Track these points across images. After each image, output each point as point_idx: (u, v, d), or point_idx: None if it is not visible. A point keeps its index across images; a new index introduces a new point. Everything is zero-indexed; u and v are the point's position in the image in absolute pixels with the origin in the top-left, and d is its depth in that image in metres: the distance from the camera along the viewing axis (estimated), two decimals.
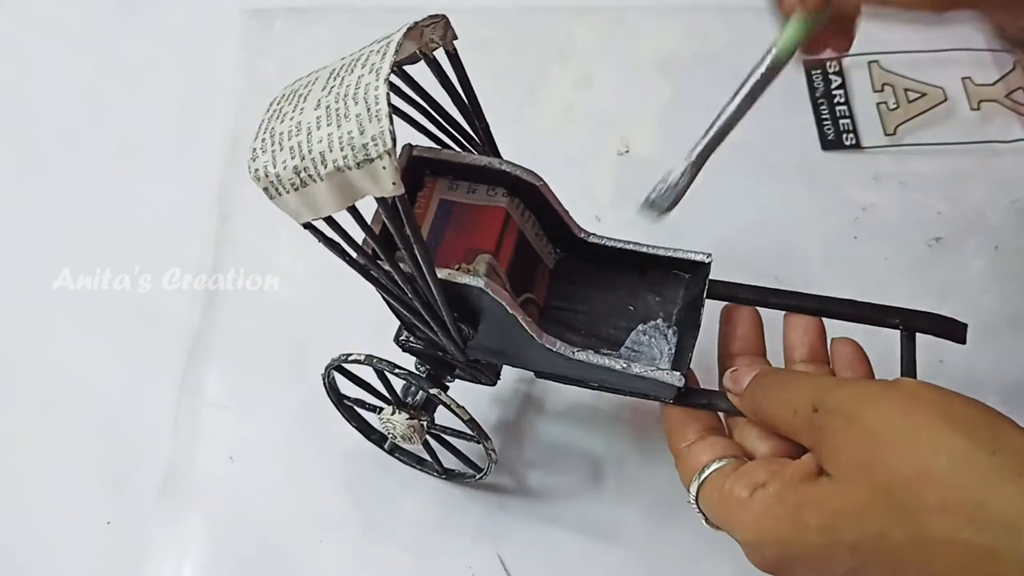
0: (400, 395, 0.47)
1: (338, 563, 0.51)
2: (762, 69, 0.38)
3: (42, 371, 0.57)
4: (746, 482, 0.37)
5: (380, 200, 0.33)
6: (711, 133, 0.40)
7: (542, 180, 0.42)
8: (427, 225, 0.42)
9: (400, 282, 0.38)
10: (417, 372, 0.46)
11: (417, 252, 0.35)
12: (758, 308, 0.44)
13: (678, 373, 0.40)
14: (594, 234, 0.44)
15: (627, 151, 0.62)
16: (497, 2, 0.66)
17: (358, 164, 0.32)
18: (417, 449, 0.50)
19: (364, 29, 0.67)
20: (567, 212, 0.44)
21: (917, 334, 0.44)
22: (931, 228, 0.59)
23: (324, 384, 0.48)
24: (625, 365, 0.40)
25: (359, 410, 0.50)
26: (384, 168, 0.32)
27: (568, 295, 0.45)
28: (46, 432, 0.55)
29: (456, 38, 0.37)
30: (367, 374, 0.46)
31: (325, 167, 0.33)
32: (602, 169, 0.62)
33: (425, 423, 0.47)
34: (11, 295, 0.60)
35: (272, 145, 0.34)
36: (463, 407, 0.45)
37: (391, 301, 0.41)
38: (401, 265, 0.37)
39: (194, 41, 0.68)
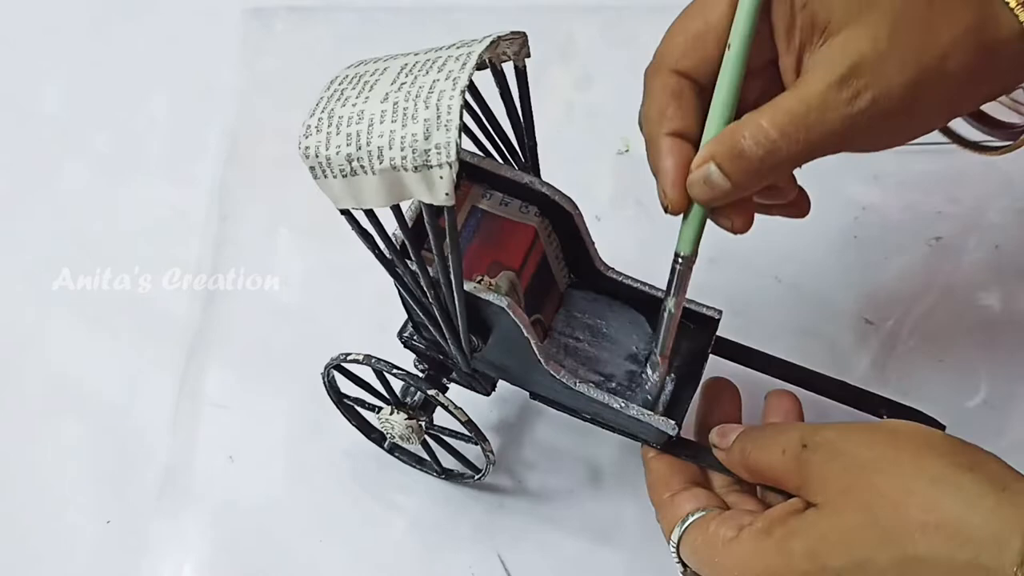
0: (399, 395, 0.47)
1: (338, 563, 0.51)
2: (678, 269, 0.39)
3: (42, 371, 0.57)
4: (732, 524, 0.37)
5: (428, 206, 0.33)
6: (662, 334, 0.41)
7: (578, 210, 0.42)
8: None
9: (424, 285, 0.38)
10: (416, 372, 0.46)
11: (451, 263, 0.35)
12: (746, 367, 0.45)
13: (673, 421, 0.41)
14: (613, 269, 0.44)
15: (627, 151, 0.62)
16: (497, 2, 0.66)
17: (415, 168, 0.31)
18: (416, 449, 0.50)
19: (364, 29, 0.68)
20: (593, 243, 0.44)
21: None
22: (931, 228, 0.59)
23: (324, 383, 0.48)
24: (623, 405, 0.41)
25: (359, 409, 0.51)
26: (442, 178, 0.31)
27: (574, 322, 0.45)
28: (46, 432, 0.55)
29: (529, 56, 0.37)
30: (367, 374, 0.46)
31: (380, 162, 0.32)
32: (602, 169, 0.62)
33: (424, 423, 0.47)
34: (11, 295, 0.60)
35: (329, 127, 0.33)
36: (461, 408, 0.45)
37: (408, 300, 0.41)
38: (428, 268, 0.37)
39: (194, 41, 0.68)
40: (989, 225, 0.59)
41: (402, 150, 0.32)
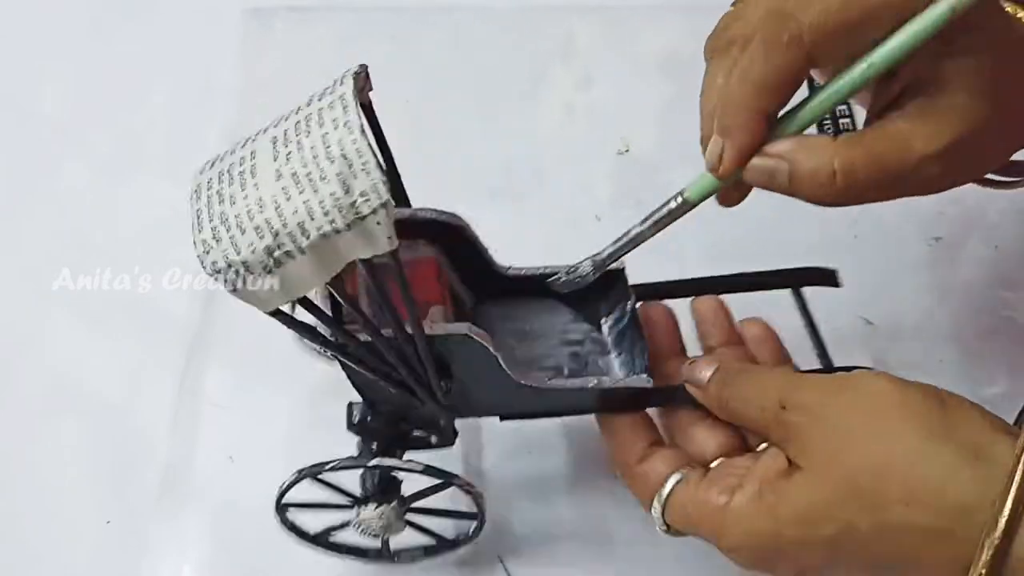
0: (360, 493, 0.45)
1: (338, 563, 0.51)
2: (671, 206, 0.39)
3: (42, 371, 0.57)
4: (720, 487, 0.38)
5: (365, 262, 0.32)
6: (618, 245, 0.41)
7: (464, 220, 0.42)
8: (363, 289, 0.40)
9: (383, 349, 0.36)
10: (357, 456, 0.44)
11: (408, 310, 0.34)
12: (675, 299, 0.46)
13: (645, 375, 0.41)
14: (512, 266, 0.44)
15: (627, 151, 0.62)
16: (497, 2, 0.66)
17: (348, 225, 0.30)
18: (415, 539, 0.48)
19: (364, 29, 0.68)
20: (486, 249, 0.44)
21: (804, 289, 0.47)
22: (931, 228, 0.59)
23: (284, 528, 0.45)
24: (596, 382, 0.41)
25: (337, 537, 0.47)
26: (379, 224, 0.30)
27: (498, 334, 0.44)
28: (46, 432, 0.55)
29: (372, 90, 0.36)
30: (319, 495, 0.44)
31: (307, 238, 0.30)
32: (602, 169, 0.62)
33: (395, 503, 0.44)
34: (11, 295, 0.60)
35: (228, 231, 0.32)
36: (412, 460, 0.43)
37: (365, 376, 0.39)
38: (383, 331, 0.36)
39: (194, 41, 0.68)
40: (989, 225, 0.59)
41: (327, 214, 0.30)
